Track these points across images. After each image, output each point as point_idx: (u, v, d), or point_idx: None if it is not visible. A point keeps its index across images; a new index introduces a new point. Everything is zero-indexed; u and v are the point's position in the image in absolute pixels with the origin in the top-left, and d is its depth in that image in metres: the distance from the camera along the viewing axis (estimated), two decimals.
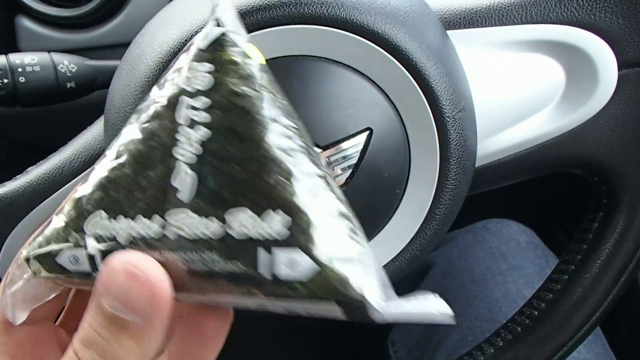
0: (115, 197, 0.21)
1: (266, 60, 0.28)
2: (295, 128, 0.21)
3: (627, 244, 0.35)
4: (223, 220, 0.20)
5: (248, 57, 0.21)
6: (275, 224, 0.19)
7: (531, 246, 0.57)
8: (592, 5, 0.32)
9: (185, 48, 0.22)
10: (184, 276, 0.20)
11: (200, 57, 0.21)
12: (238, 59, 0.21)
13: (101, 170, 0.21)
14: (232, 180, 0.20)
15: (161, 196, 0.20)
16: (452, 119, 0.30)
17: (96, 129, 0.33)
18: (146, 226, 0.20)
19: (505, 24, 0.32)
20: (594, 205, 0.36)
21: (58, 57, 0.38)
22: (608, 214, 0.35)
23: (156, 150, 0.21)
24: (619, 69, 0.32)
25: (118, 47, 0.51)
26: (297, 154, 0.20)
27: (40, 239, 0.22)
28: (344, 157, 0.29)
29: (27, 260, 0.22)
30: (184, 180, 0.20)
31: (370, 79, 0.29)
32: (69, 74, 0.39)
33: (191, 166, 0.20)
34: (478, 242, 0.58)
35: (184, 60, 0.21)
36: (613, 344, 0.52)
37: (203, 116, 0.20)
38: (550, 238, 0.64)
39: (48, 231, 0.22)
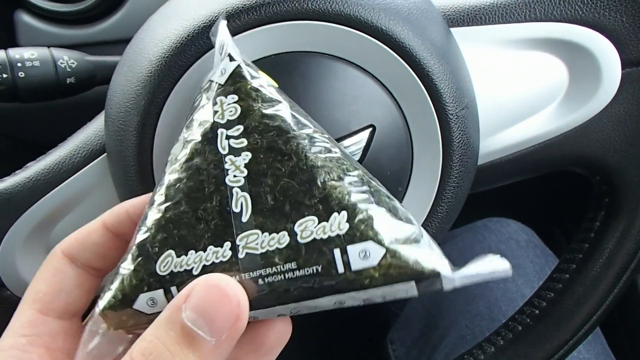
0: (180, 235, 0.22)
1: (270, 56, 0.28)
2: (321, 132, 0.23)
3: (629, 243, 0.35)
4: (292, 232, 0.21)
5: (267, 82, 0.24)
6: (342, 224, 0.21)
7: (531, 245, 0.57)
8: (596, 3, 0.31)
9: (204, 86, 0.24)
10: (260, 293, 0.21)
11: (224, 91, 0.23)
12: (258, 86, 0.23)
13: (155, 214, 0.23)
14: (288, 193, 0.22)
15: (225, 223, 0.22)
16: (455, 117, 0.30)
17: (96, 124, 0.33)
18: (218, 254, 0.21)
19: (509, 22, 0.32)
20: (596, 205, 0.36)
21: (58, 53, 0.38)
22: (610, 213, 0.35)
23: (207, 182, 0.22)
24: (623, 68, 0.32)
25: (118, 43, 0.50)
26: (335, 156, 0.23)
27: (111, 291, 0.22)
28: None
29: (103, 314, 0.22)
30: (243, 204, 0.22)
31: (373, 75, 0.29)
32: (68, 70, 0.38)
33: (243, 188, 0.22)
34: (478, 241, 0.58)
35: (206, 97, 0.24)
36: (611, 344, 0.52)
37: (242, 142, 0.22)
38: (549, 237, 0.64)
39: (117, 282, 0.22)
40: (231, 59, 0.24)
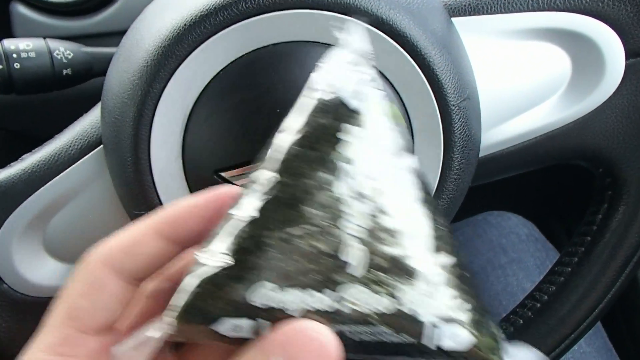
0: (285, 269, 0.20)
1: (269, 45, 0.28)
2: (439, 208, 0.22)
3: (631, 236, 0.34)
4: (397, 298, 0.20)
5: (398, 122, 0.22)
6: (444, 300, 0.20)
7: (531, 239, 0.57)
8: None
9: (325, 91, 0.21)
10: (350, 345, 0.20)
11: (355, 120, 0.20)
12: (390, 124, 0.21)
13: (255, 232, 0.20)
14: (404, 257, 0.20)
15: (331, 269, 0.20)
16: (457, 108, 0.29)
17: (93, 116, 0.32)
18: (317, 299, 0.20)
19: (511, 12, 0.32)
20: (598, 197, 0.35)
21: (54, 44, 0.38)
22: (612, 206, 0.35)
23: (325, 221, 0.20)
24: (627, 58, 0.32)
25: (114, 35, 0.50)
26: (447, 232, 0.21)
27: (189, 302, 0.20)
28: None
29: (179, 321, 0.20)
30: (357, 257, 0.20)
31: (374, 66, 0.29)
32: (64, 61, 0.38)
33: (362, 241, 0.20)
34: (478, 235, 0.57)
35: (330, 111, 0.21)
36: (611, 338, 0.52)
37: (365, 187, 0.20)
38: (549, 231, 0.63)
39: (196, 292, 0.20)
40: (374, 84, 0.21)
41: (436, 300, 0.20)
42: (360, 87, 0.21)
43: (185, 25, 0.27)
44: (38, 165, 0.31)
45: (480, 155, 0.32)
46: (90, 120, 0.32)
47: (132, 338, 0.21)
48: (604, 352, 0.49)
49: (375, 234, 0.20)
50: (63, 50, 0.38)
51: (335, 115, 0.21)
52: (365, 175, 0.20)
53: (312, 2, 0.27)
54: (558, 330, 0.35)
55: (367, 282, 0.20)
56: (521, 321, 0.36)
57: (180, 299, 0.20)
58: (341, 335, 0.20)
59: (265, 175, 0.20)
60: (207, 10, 0.27)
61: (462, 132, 0.30)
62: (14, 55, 0.36)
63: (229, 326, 0.20)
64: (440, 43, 0.29)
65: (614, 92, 0.32)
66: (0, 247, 0.31)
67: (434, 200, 0.22)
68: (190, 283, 0.20)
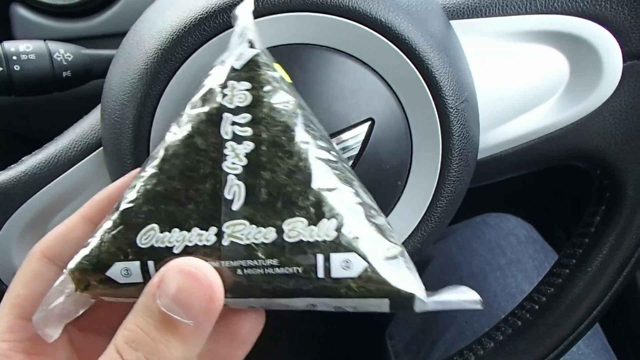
0: (168, 210, 0.22)
1: (268, 48, 0.28)
2: (326, 138, 0.23)
3: (630, 237, 0.34)
4: (280, 229, 0.21)
5: (281, 76, 0.24)
6: (330, 231, 0.21)
7: (530, 241, 0.57)
8: None
9: (217, 64, 0.23)
10: (236, 282, 0.21)
11: (237, 76, 0.23)
12: (272, 78, 0.23)
13: (145, 185, 0.22)
14: (283, 190, 0.22)
15: (215, 208, 0.21)
16: (455, 110, 0.29)
17: (93, 118, 0.32)
18: (202, 237, 0.21)
19: (509, 14, 0.32)
20: (596, 199, 0.36)
21: (54, 46, 0.38)
22: (610, 208, 0.35)
23: (204, 164, 0.22)
24: (624, 61, 0.32)
25: (114, 37, 0.50)
26: (335, 164, 0.23)
27: (85, 252, 0.22)
28: (345, 148, 0.29)
29: (72, 274, 0.22)
30: (236, 192, 0.22)
31: (372, 68, 0.29)
32: (64, 63, 0.38)
33: (239, 177, 0.22)
34: (477, 237, 0.57)
35: (216, 78, 0.23)
36: (610, 339, 0.52)
37: (247, 131, 0.22)
38: (547, 233, 0.63)
39: (93, 245, 0.22)
40: (251, 45, 0.23)
41: (324, 228, 0.21)
42: (241, 49, 0.23)
43: (185, 27, 0.27)
44: (38, 167, 0.31)
45: (478, 157, 0.32)
46: (89, 122, 0.32)
47: (43, 302, 0.22)
48: (602, 353, 0.49)
49: (254, 171, 0.22)
50: (63, 52, 0.38)
51: (223, 77, 0.23)
52: (247, 120, 0.22)
53: (311, 4, 0.28)
54: (556, 332, 0.36)
55: (246, 214, 0.21)
56: (519, 323, 0.36)
57: (79, 253, 0.22)
58: (222, 268, 0.21)
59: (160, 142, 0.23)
60: (206, 12, 0.27)
61: (460, 134, 0.30)
62: (14, 57, 0.36)
63: (120, 270, 0.22)
64: (439, 45, 0.29)
65: (612, 95, 0.32)
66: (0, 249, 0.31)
67: (326, 137, 0.23)
68: (90, 238, 0.22)
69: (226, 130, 0.22)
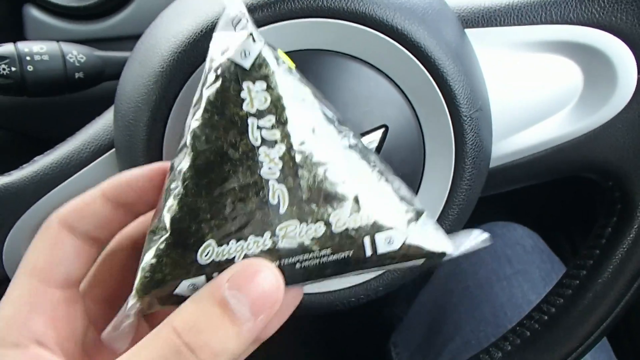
0: (220, 224, 0.22)
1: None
2: (341, 121, 0.24)
3: None
4: (328, 222, 0.22)
5: (289, 66, 0.24)
6: (371, 214, 0.23)
7: (537, 251, 0.57)
8: (614, 7, 0.31)
9: (216, 64, 0.23)
10: (295, 274, 0.23)
11: (250, 76, 0.23)
12: (284, 72, 0.23)
13: (186, 199, 0.22)
14: (321, 185, 0.23)
15: (264, 213, 0.22)
16: (469, 119, 0.29)
17: (105, 119, 0.33)
18: (259, 243, 0.22)
19: (524, 24, 0.32)
20: (607, 211, 0.35)
21: (67, 47, 0.38)
22: (622, 220, 0.35)
23: (242, 174, 0.22)
24: (639, 72, 0.32)
25: (127, 40, 0.50)
26: (361, 149, 0.24)
27: (149, 275, 0.23)
28: None
29: (140, 298, 0.23)
30: (280, 195, 0.22)
31: (386, 75, 0.29)
32: (77, 64, 0.38)
33: (279, 181, 0.22)
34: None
35: (225, 79, 0.23)
36: (616, 352, 0.52)
37: (275, 134, 0.23)
38: (553, 242, 0.63)
39: (153, 265, 0.22)
40: (253, 39, 0.23)
41: (365, 214, 0.23)
42: (245, 45, 0.23)
43: (201, 31, 0.27)
44: (50, 167, 0.31)
45: (490, 166, 0.32)
46: (102, 124, 0.32)
47: (112, 322, 0.23)
48: None
49: (291, 171, 0.22)
50: (76, 53, 0.38)
51: (233, 78, 0.23)
52: (272, 122, 0.23)
53: (327, 11, 0.28)
54: (565, 344, 0.35)
55: (294, 215, 0.22)
56: (528, 333, 0.36)
57: (140, 277, 0.23)
58: (283, 267, 0.22)
59: (182, 152, 0.23)
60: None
61: (473, 142, 0.30)
62: (28, 58, 0.37)
63: (187, 285, 0.22)
64: (454, 54, 0.29)
65: (626, 106, 0.32)
66: (10, 249, 0.31)
67: (344, 126, 0.24)
68: (146, 260, 0.23)
69: (255, 137, 0.22)
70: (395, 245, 0.23)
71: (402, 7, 0.28)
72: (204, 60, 0.27)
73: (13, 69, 0.36)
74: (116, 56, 0.39)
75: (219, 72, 0.23)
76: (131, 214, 0.25)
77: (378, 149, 0.29)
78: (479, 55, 0.32)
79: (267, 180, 0.22)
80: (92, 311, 0.26)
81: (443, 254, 0.24)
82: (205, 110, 0.23)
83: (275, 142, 0.22)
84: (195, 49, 0.27)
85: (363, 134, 0.29)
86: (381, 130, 0.29)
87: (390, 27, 0.28)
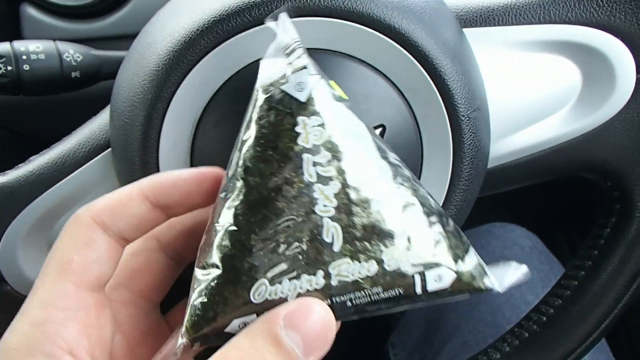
0: (274, 263, 0.22)
1: None
2: (391, 152, 0.24)
3: None
4: (380, 260, 0.22)
5: (341, 97, 0.23)
6: (422, 252, 0.22)
7: (535, 252, 0.57)
8: (612, 6, 0.31)
9: (273, 93, 0.23)
10: (345, 311, 0.22)
11: (306, 111, 0.22)
12: (337, 104, 0.23)
13: (239, 236, 0.22)
14: (376, 224, 0.22)
15: (317, 252, 0.22)
16: (467, 118, 0.29)
17: (101, 119, 0.32)
18: (312, 282, 0.22)
19: (523, 24, 0.32)
20: (606, 211, 0.35)
21: (63, 46, 0.38)
22: (621, 220, 0.34)
23: (296, 212, 0.22)
24: (638, 72, 0.31)
25: (123, 39, 0.50)
26: (412, 185, 0.23)
27: (199, 312, 0.22)
28: None
29: (190, 336, 0.22)
30: (334, 234, 0.22)
31: (384, 74, 0.29)
32: (74, 63, 0.38)
33: (333, 219, 0.22)
34: (481, 247, 0.57)
35: (278, 111, 0.22)
36: (615, 353, 0.52)
37: (330, 171, 0.22)
38: (550, 243, 0.63)
39: (203, 303, 0.22)
40: (309, 71, 0.23)
41: (416, 252, 0.22)
42: (300, 77, 0.23)
43: (197, 30, 0.27)
44: (45, 167, 0.31)
45: (488, 166, 0.32)
46: (98, 123, 0.32)
47: (158, 357, 0.23)
48: None
49: (345, 209, 0.22)
50: (72, 52, 0.38)
51: (288, 111, 0.22)
52: (327, 158, 0.22)
53: (325, 10, 0.27)
54: (564, 344, 0.35)
55: (347, 253, 0.22)
56: (527, 334, 0.36)
57: (190, 314, 0.22)
58: (335, 305, 0.22)
59: (232, 184, 0.23)
60: (219, 16, 0.27)
61: (471, 142, 0.30)
62: (24, 57, 0.36)
63: (238, 324, 0.22)
64: (452, 53, 0.29)
65: (624, 106, 0.32)
66: (5, 249, 0.31)
67: (398, 162, 0.24)
68: (195, 297, 0.22)
69: (310, 173, 0.22)
70: (445, 283, 0.22)
71: (399, 6, 0.28)
72: (200, 58, 0.27)
73: (9, 67, 0.36)
74: (113, 55, 0.39)
75: (273, 103, 0.22)
76: (166, 216, 0.24)
77: None
78: (477, 54, 0.31)
79: (322, 218, 0.22)
80: (117, 314, 0.25)
81: (489, 290, 0.23)
82: (258, 142, 0.22)
83: (331, 178, 0.22)
84: (192, 48, 0.27)
85: None
86: (378, 130, 0.29)
87: (388, 26, 0.28)
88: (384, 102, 0.29)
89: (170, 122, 0.28)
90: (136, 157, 0.28)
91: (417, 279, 0.22)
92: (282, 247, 0.22)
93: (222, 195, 0.23)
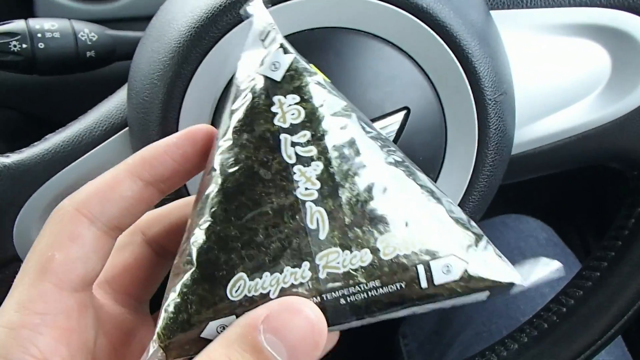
0: (251, 255, 0.20)
1: (304, 31, 0.27)
2: (382, 137, 0.21)
3: None
4: (375, 249, 0.20)
5: (324, 79, 0.21)
6: (423, 238, 0.20)
7: (550, 244, 0.56)
8: None
9: (244, 80, 0.21)
10: (339, 311, 0.20)
11: (282, 90, 0.21)
12: (318, 84, 0.21)
13: (214, 226, 0.20)
14: (365, 207, 0.20)
15: (301, 241, 0.20)
16: (494, 102, 0.29)
17: (118, 98, 0.32)
18: (297, 275, 0.20)
19: (552, 6, 0.31)
20: (631, 201, 0.34)
21: (78, 25, 0.37)
22: None
23: (275, 196, 0.20)
24: None
25: (137, 21, 0.49)
26: (402, 164, 0.21)
27: (172, 318, 0.20)
28: None
29: (162, 343, 0.20)
30: (319, 219, 0.20)
31: (409, 55, 0.28)
32: (89, 43, 0.37)
33: (317, 203, 0.20)
34: (495, 238, 0.56)
35: (255, 93, 0.21)
36: (630, 348, 0.51)
37: (311, 150, 0.20)
38: (563, 236, 0.62)
39: (177, 305, 0.20)
40: (285, 50, 0.21)
41: (417, 238, 0.20)
42: (275, 57, 0.21)
43: (220, 6, 0.26)
44: (61, 145, 0.30)
45: (512, 153, 0.31)
46: (115, 102, 0.32)
47: None
48: None
49: (330, 191, 0.20)
50: (87, 32, 0.37)
51: (262, 92, 0.21)
52: (307, 138, 0.20)
53: None
54: (584, 336, 0.34)
55: (336, 241, 0.20)
56: (546, 325, 0.35)
57: (164, 317, 0.20)
58: (325, 303, 0.20)
59: (208, 177, 0.21)
60: None
61: (497, 128, 0.29)
62: (39, 35, 0.36)
63: (216, 327, 0.20)
64: (479, 35, 0.28)
65: None
66: (20, 228, 0.31)
67: (388, 140, 0.22)
68: (170, 298, 0.20)
69: (289, 154, 0.20)
70: (455, 275, 0.20)
71: None
72: (222, 35, 0.27)
73: (24, 45, 0.36)
74: (128, 35, 0.38)
75: (247, 87, 0.21)
76: (160, 193, 0.22)
77: (399, 132, 0.28)
78: (503, 37, 0.31)
79: (304, 202, 0.20)
80: (100, 313, 0.23)
81: (511, 285, 0.21)
82: (234, 129, 0.21)
83: (312, 158, 0.20)
84: (214, 24, 0.26)
85: (384, 116, 0.28)
86: (403, 112, 0.28)
87: (415, 5, 0.27)
88: (408, 84, 0.28)
89: (190, 101, 0.27)
90: (154, 136, 0.28)
91: (421, 270, 0.20)
92: (261, 236, 0.20)
93: (201, 191, 0.21)
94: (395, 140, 0.28)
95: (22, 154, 0.30)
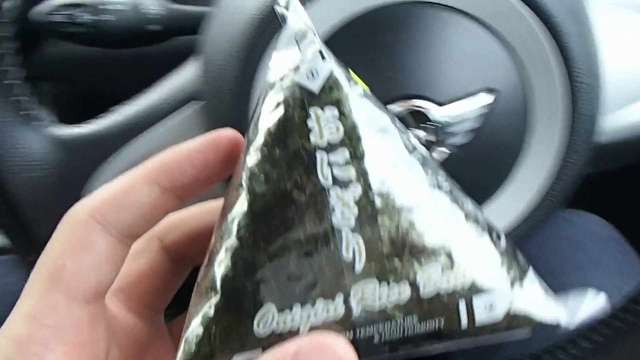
0: (282, 286, 0.18)
1: (388, 5, 0.26)
2: (424, 153, 0.20)
3: None
4: (414, 283, 0.18)
5: (365, 90, 0.19)
6: (467, 273, 0.18)
7: (612, 241, 0.54)
8: None
9: (276, 83, 0.19)
10: (373, 349, 0.18)
11: (320, 102, 0.19)
12: (358, 95, 0.19)
13: (241, 252, 0.18)
14: (407, 236, 0.18)
15: (335, 272, 0.18)
16: (585, 86, 0.27)
17: (186, 71, 0.31)
18: (329, 309, 0.18)
19: None
20: None
21: None
22: None
23: (309, 222, 0.18)
24: None
25: None
26: (451, 189, 0.19)
27: (192, 347, 0.19)
28: (460, 118, 0.26)
29: None
30: (355, 249, 0.18)
31: (498, 32, 0.26)
32: (153, 16, 0.36)
33: (354, 230, 0.18)
34: (554, 233, 0.54)
35: (287, 103, 0.19)
36: None
37: (349, 171, 0.18)
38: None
39: (200, 336, 0.18)
40: (322, 56, 0.19)
41: (460, 272, 0.18)
42: (312, 64, 0.19)
43: None
44: (129, 118, 0.30)
45: (599, 140, 0.30)
46: (183, 76, 0.31)
47: None
48: None
49: (369, 218, 0.18)
50: (153, 5, 0.37)
51: (298, 103, 0.19)
52: (345, 157, 0.18)
53: None
54: None
55: (372, 273, 0.18)
56: (624, 325, 0.33)
57: (184, 350, 0.18)
58: (358, 340, 0.18)
59: (235, 193, 0.19)
60: None
61: (588, 113, 0.27)
62: (104, 7, 0.35)
63: None
64: (573, 13, 0.27)
65: None
66: None
67: (431, 160, 0.20)
68: (192, 329, 0.18)
69: (325, 175, 0.18)
70: (498, 313, 0.18)
71: None
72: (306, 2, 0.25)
73: (87, 16, 0.35)
74: (194, 10, 0.38)
75: (280, 96, 0.19)
76: (179, 201, 0.21)
77: (484, 115, 0.26)
78: (592, 16, 0.29)
79: (340, 230, 0.18)
80: (113, 323, 0.22)
81: (555, 325, 0.19)
82: (265, 142, 0.19)
83: (350, 181, 0.18)
84: None
85: (467, 96, 0.26)
86: (490, 94, 0.26)
87: None
88: (495, 63, 0.26)
89: (263, 73, 0.26)
90: (226, 109, 0.27)
91: (462, 306, 0.18)
92: (293, 265, 0.18)
93: (226, 209, 0.19)
94: (480, 123, 0.26)
95: (91, 126, 0.30)
